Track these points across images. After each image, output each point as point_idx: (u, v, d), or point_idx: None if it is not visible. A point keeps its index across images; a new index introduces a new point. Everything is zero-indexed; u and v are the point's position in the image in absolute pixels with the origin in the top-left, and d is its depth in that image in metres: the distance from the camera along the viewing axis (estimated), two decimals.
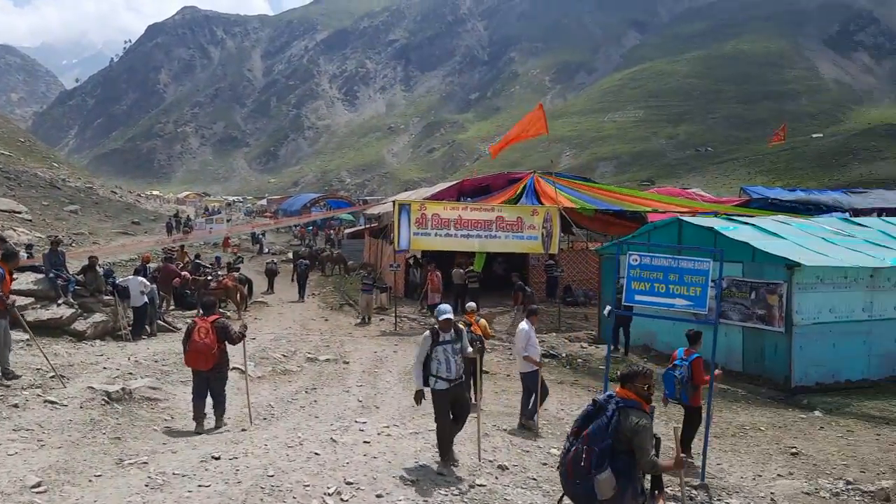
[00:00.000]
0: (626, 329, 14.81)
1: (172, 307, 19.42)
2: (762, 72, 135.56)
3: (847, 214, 19.16)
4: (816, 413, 10.59)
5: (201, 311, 9.44)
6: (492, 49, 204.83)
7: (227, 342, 8.46)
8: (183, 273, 19.63)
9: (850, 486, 7.40)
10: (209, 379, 8.42)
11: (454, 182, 25.33)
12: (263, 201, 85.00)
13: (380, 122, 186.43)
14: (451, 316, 7.28)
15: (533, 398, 9.44)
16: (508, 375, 13.03)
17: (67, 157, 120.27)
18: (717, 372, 8.06)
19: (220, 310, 19.62)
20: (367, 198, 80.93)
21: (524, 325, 9.53)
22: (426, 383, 7.25)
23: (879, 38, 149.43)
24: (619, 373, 4.91)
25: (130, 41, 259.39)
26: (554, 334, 17.00)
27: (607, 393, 4.80)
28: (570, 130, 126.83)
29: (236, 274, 21.52)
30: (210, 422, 8.59)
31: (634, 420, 4.48)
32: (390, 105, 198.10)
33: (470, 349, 7.68)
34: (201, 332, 8.26)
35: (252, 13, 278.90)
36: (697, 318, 9.65)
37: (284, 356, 13.81)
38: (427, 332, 7.29)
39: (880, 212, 22.56)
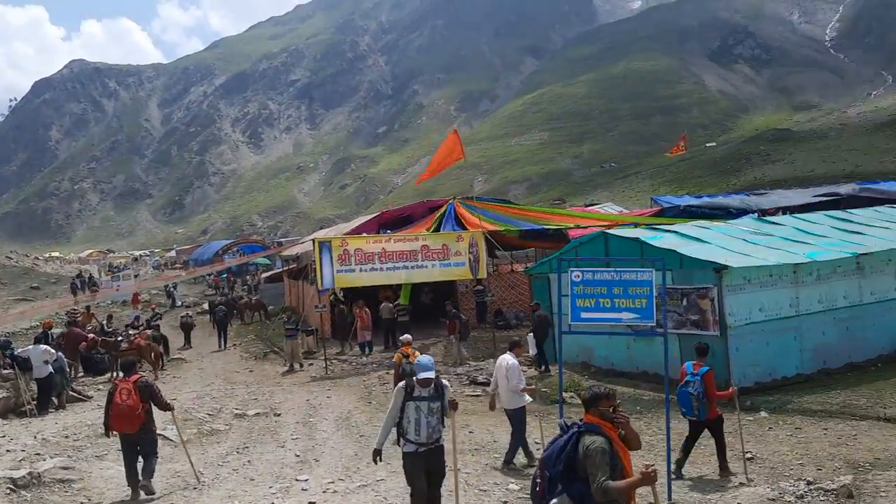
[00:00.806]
0: (541, 346, 14.88)
1: (81, 374, 17.98)
2: (653, 88, 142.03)
3: (756, 215, 19.82)
4: (762, 413, 10.59)
5: (121, 373, 8.95)
6: (395, 83, 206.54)
7: (152, 402, 8.04)
8: (89, 335, 18.22)
9: (812, 487, 7.27)
10: (137, 442, 7.97)
11: (373, 215, 24.86)
12: (172, 253, 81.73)
13: (288, 162, 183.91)
14: (432, 374, 6.18)
15: (519, 438, 9.00)
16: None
17: None
18: (731, 389, 8.21)
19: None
20: (281, 239, 79.04)
21: (512, 359, 9.03)
22: (398, 442, 6.31)
23: (756, 51, 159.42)
24: (581, 396, 4.57)
25: (16, 99, 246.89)
26: (491, 360, 16.61)
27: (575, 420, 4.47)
28: (480, 157, 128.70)
29: (149, 332, 20.21)
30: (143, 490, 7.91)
31: (586, 443, 4.18)
32: (297, 144, 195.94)
33: (452, 411, 6.53)
34: (123, 394, 7.84)
35: (145, 62, 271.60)
36: (635, 329, 9.42)
37: (210, 415, 12.84)
38: (401, 385, 6.39)
39: (784, 210, 23.48)
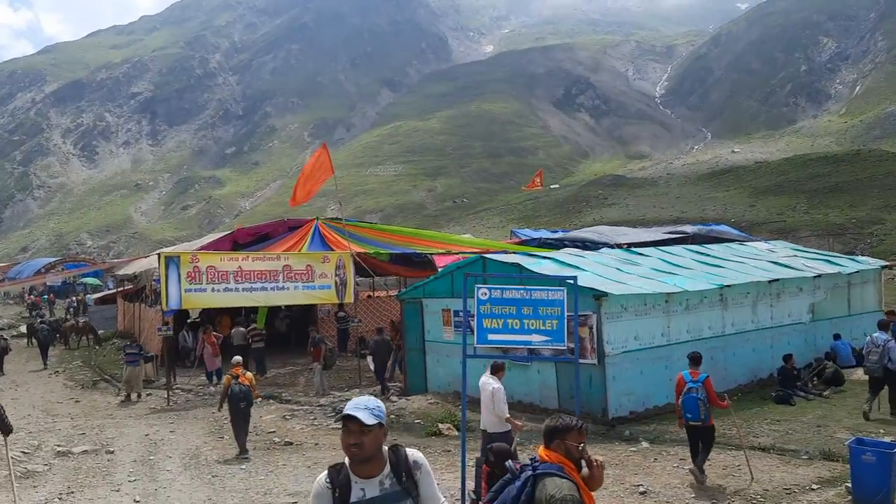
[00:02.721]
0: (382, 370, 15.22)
1: None
2: (504, 129, 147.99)
3: (624, 247, 20.34)
4: (643, 444, 10.42)
5: None
6: (246, 103, 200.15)
7: None
8: None
9: None
10: None
11: (227, 233, 23.00)
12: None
13: (125, 178, 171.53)
14: (369, 419, 2.98)
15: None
16: (316, 444, 11.37)
17: None
18: (726, 403, 8.57)
19: None
20: (114, 261, 72.74)
21: (496, 383, 8.56)
22: None
23: (596, 101, 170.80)
24: (544, 426, 3.69)
25: None
26: (357, 390, 15.57)
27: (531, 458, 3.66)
28: (333, 184, 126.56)
29: None
30: None
31: (549, 491, 3.33)
32: (136, 160, 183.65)
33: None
34: None
35: None
36: (532, 353, 8.87)
37: (25, 453, 10.82)
38: (321, 482, 3.11)
39: (631, 245, 24.42)
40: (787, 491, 8.22)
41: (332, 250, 18.28)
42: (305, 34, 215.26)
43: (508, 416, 8.58)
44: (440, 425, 11.76)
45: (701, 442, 8.46)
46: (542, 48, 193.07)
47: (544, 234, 32.66)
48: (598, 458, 3.63)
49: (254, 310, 19.99)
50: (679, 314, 12.78)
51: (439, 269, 20.47)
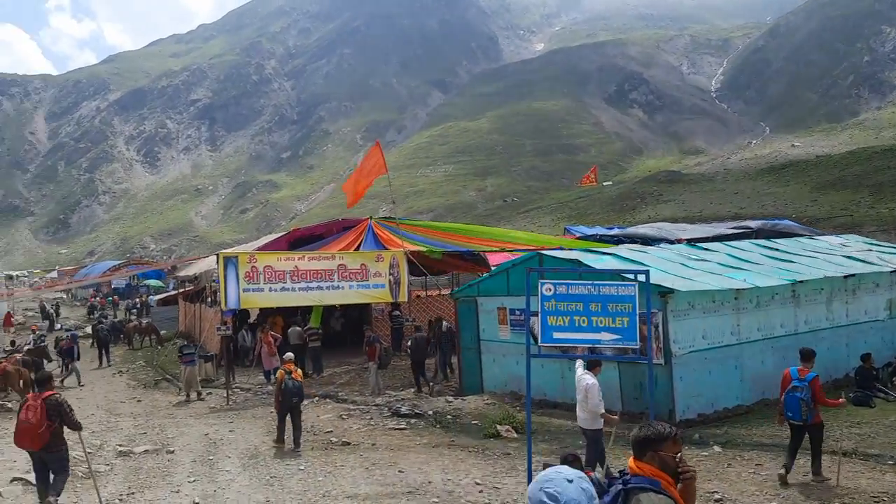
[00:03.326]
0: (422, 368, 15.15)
1: None
2: (555, 127, 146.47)
3: (686, 242, 19.59)
4: (715, 448, 9.90)
5: (36, 388, 8.12)
6: (300, 108, 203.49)
7: (62, 421, 7.65)
8: None
9: None
10: (43, 460, 7.73)
11: (283, 234, 23.15)
12: (54, 273, 75.42)
13: (185, 183, 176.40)
14: None
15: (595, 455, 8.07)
16: (374, 445, 11.19)
17: None
18: (840, 400, 8.43)
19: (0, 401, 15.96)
20: (175, 260, 74.72)
21: (591, 378, 8.19)
22: None
23: (649, 97, 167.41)
24: (632, 436, 3.36)
25: None
26: (411, 390, 15.39)
27: (621, 470, 3.31)
28: (385, 186, 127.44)
29: (18, 356, 17.72)
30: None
31: None
32: (196, 166, 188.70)
33: None
34: (29, 411, 7.56)
35: (33, 73, 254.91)
36: (593, 351, 8.48)
37: (88, 452, 10.90)
38: None
39: (692, 241, 23.59)
40: (875, 499, 7.66)
41: (386, 249, 18.15)
42: (357, 38, 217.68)
43: (603, 411, 8.25)
44: (498, 427, 11.44)
45: (810, 440, 8.18)
46: (594, 44, 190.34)
47: (599, 230, 31.92)
48: (691, 468, 3.27)
49: (308, 309, 20.03)
50: (749, 311, 12.17)
51: (493, 268, 20.15)
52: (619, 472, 3.24)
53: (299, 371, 11.60)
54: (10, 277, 74.72)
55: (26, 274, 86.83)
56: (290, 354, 12.31)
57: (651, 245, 20.59)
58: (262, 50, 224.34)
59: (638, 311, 6.14)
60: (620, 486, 3.12)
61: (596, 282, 6.25)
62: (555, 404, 13.06)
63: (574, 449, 6.83)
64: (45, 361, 20.13)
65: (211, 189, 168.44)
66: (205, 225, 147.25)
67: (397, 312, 19.30)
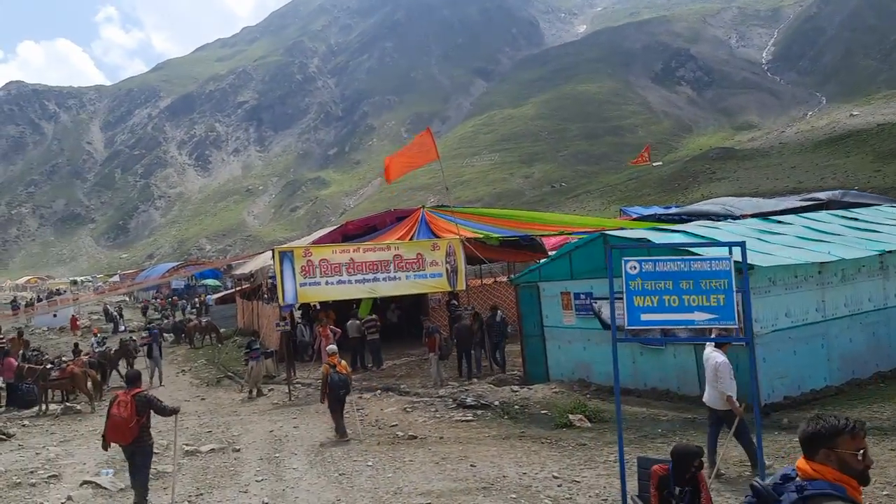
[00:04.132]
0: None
1: (2, 407, 15.71)
2: (601, 109, 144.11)
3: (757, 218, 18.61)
4: None
5: (126, 385, 8.69)
6: (344, 104, 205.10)
7: (155, 412, 8.06)
8: (9, 361, 16.01)
9: None
10: (133, 453, 8.02)
11: (336, 227, 23.01)
12: (116, 278, 77.72)
13: (237, 184, 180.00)
14: None
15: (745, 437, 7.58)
16: (441, 438, 10.83)
17: None
18: None
19: (68, 403, 16.21)
20: (231, 262, 76.00)
21: (721, 356, 7.77)
22: None
23: (698, 73, 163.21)
24: (800, 432, 2.79)
25: None
26: (475, 380, 14.99)
27: (783, 470, 2.78)
28: (431, 178, 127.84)
29: (85, 358, 18.00)
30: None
31: None
32: (246, 167, 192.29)
33: None
34: (120, 406, 7.88)
35: (87, 84, 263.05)
36: (665, 333, 7.86)
37: (155, 453, 10.85)
38: None
39: (761, 215, 22.50)
40: None
41: (441, 238, 17.77)
42: (398, 31, 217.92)
43: (731, 395, 7.66)
44: (570, 416, 10.94)
45: None
46: (638, 23, 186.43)
47: (657, 210, 30.94)
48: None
49: (356, 302, 19.80)
50: (834, 286, 11.37)
51: (550, 254, 19.56)
52: (782, 475, 2.72)
53: (344, 363, 11.74)
54: (75, 283, 77.39)
55: (90, 279, 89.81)
56: (332, 347, 12.48)
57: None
58: (305, 49, 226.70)
59: (734, 288, 5.57)
60: (795, 495, 2.59)
61: (686, 258, 5.69)
62: (626, 391, 12.47)
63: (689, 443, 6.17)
64: (126, 361, 20.28)
65: (261, 189, 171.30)
66: (257, 224, 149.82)
67: (454, 302, 18.90)
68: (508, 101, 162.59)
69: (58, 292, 61.87)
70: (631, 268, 5.72)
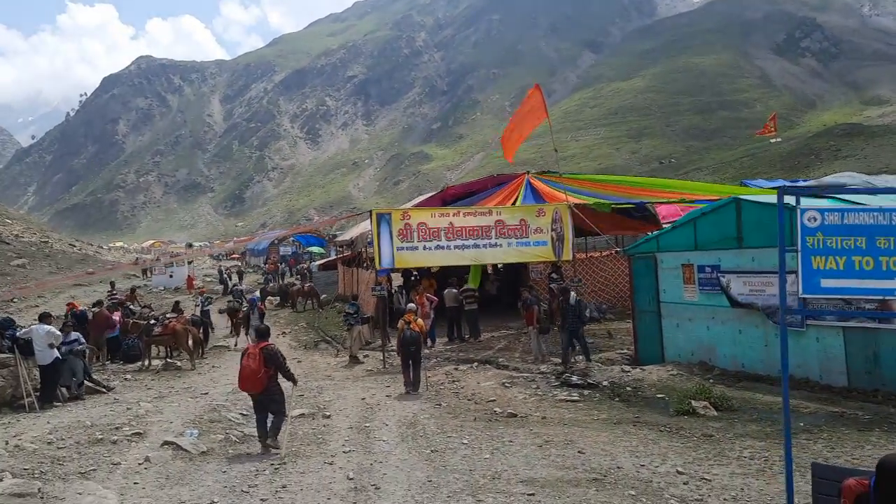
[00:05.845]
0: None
1: (107, 361, 15.96)
2: (715, 82, 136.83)
3: None
4: None
5: (255, 338, 9.13)
6: (450, 78, 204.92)
7: (276, 369, 8.52)
8: (114, 317, 16.24)
9: None
10: (263, 402, 8.56)
11: (436, 192, 22.21)
12: (230, 244, 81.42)
13: (344, 158, 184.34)
14: None
15: None
16: (543, 418, 9.80)
17: (27, 214, 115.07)
18: None
19: (170, 359, 16.33)
20: (336, 233, 77.64)
21: None
22: None
23: (824, 44, 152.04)
24: None
25: (86, 94, 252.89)
26: (580, 358, 13.83)
27: None
28: (535, 153, 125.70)
29: (187, 316, 18.14)
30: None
31: None
32: (353, 140, 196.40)
33: None
34: (249, 358, 8.44)
35: (209, 59, 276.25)
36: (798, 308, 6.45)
37: (243, 415, 10.47)
38: None
39: None
40: None
41: (548, 202, 16.56)
42: (506, 3, 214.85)
43: None
44: (693, 403, 9.63)
45: None
46: None
47: (784, 183, 28.29)
48: None
49: (465, 271, 18.95)
50: None
51: (664, 226, 17.96)
52: None
53: (419, 321, 12.49)
54: (191, 245, 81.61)
55: (208, 244, 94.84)
56: (411, 305, 13.26)
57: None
58: (413, 23, 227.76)
59: None
60: None
61: (888, 208, 4.33)
62: (756, 377, 11.02)
63: None
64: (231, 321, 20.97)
65: (367, 162, 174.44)
66: (362, 197, 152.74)
67: (556, 275, 17.71)
68: (617, 75, 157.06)
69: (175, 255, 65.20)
70: (810, 219, 4.45)
